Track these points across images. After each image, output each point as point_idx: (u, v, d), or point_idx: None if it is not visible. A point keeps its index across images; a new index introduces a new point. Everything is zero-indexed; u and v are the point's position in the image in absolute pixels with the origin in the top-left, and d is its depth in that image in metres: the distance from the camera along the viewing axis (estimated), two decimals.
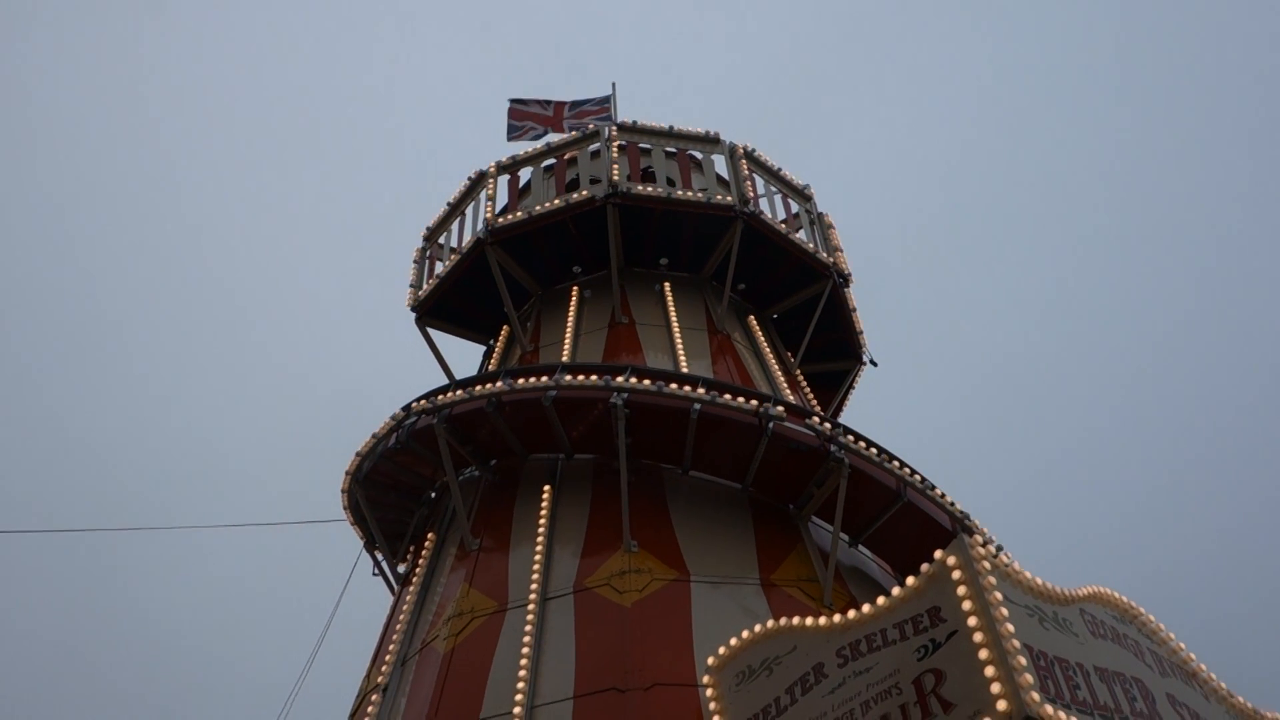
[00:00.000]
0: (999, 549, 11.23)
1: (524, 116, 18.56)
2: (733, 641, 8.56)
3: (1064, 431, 55.47)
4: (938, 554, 7.46)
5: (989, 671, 6.59)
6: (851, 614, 7.81)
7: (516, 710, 9.14)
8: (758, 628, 8.52)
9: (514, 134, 18.37)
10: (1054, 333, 59.77)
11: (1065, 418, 56.08)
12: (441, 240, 16.88)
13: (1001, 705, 6.43)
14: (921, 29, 67.16)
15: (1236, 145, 56.42)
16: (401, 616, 11.61)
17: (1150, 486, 51.26)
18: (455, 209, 16.83)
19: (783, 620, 8.31)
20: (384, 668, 11.03)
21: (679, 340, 13.93)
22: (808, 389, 15.39)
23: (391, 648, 11.23)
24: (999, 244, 63.57)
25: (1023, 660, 6.59)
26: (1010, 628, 6.77)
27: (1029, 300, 61.32)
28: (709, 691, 8.60)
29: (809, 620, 8.17)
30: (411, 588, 12.00)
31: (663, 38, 69.80)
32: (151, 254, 60.01)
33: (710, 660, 8.67)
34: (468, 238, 15.71)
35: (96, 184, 60.15)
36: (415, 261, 16.90)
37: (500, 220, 15.18)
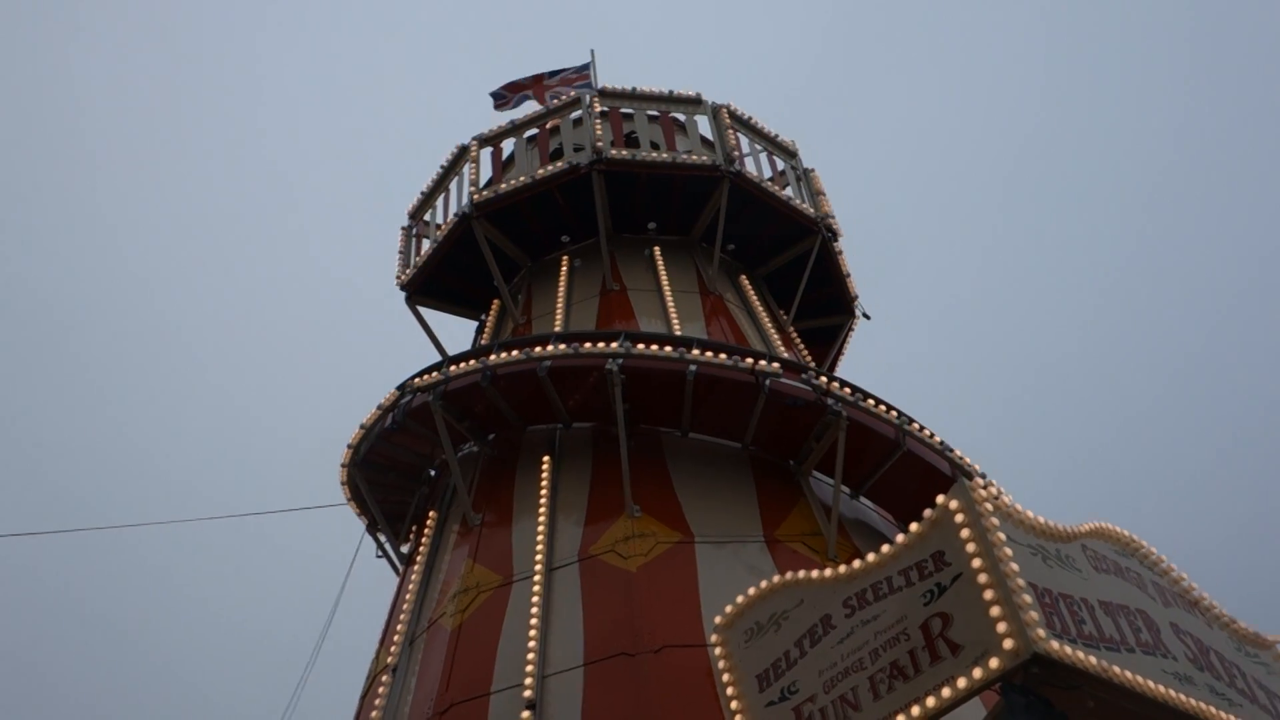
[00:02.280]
0: (999, 491, 11.22)
1: (505, 89, 18.47)
2: (739, 599, 8.56)
3: (1059, 378, 55.69)
4: (939, 499, 7.45)
5: (995, 612, 6.59)
6: (856, 564, 7.81)
7: (527, 680, 9.15)
8: (764, 584, 8.52)
9: (500, 103, 18.31)
10: (1055, 289, 59.85)
11: (1058, 362, 56.23)
12: (427, 218, 16.81)
13: (1009, 644, 6.45)
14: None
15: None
16: (407, 596, 11.62)
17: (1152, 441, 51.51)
18: (439, 185, 16.75)
19: (788, 575, 8.31)
20: (392, 648, 11.05)
21: (671, 304, 13.89)
22: (802, 345, 15.36)
23: (399, 628, 11.24)
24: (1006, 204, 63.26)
25: (1028, 599, 6.59)
26: (1014, 567, 6.77)
27: (1030, 257, 61.46)
28: (718, 650, 8.61)
29: (814, 573, 8.16)
30: (416, 567, 12.00)
31: (643, 4, 69.21)
32: (120, 250, 59.72)
33: (718, 619, 8.67)
34: (453, 213, 15.64)
35: (65, 183, 59.82)
36: (401, 241, 16.83)
37: (485, 193, 15.10)
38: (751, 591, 8.50)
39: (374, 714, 10.26)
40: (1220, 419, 50.50)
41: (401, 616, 11.39)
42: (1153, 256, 57.45)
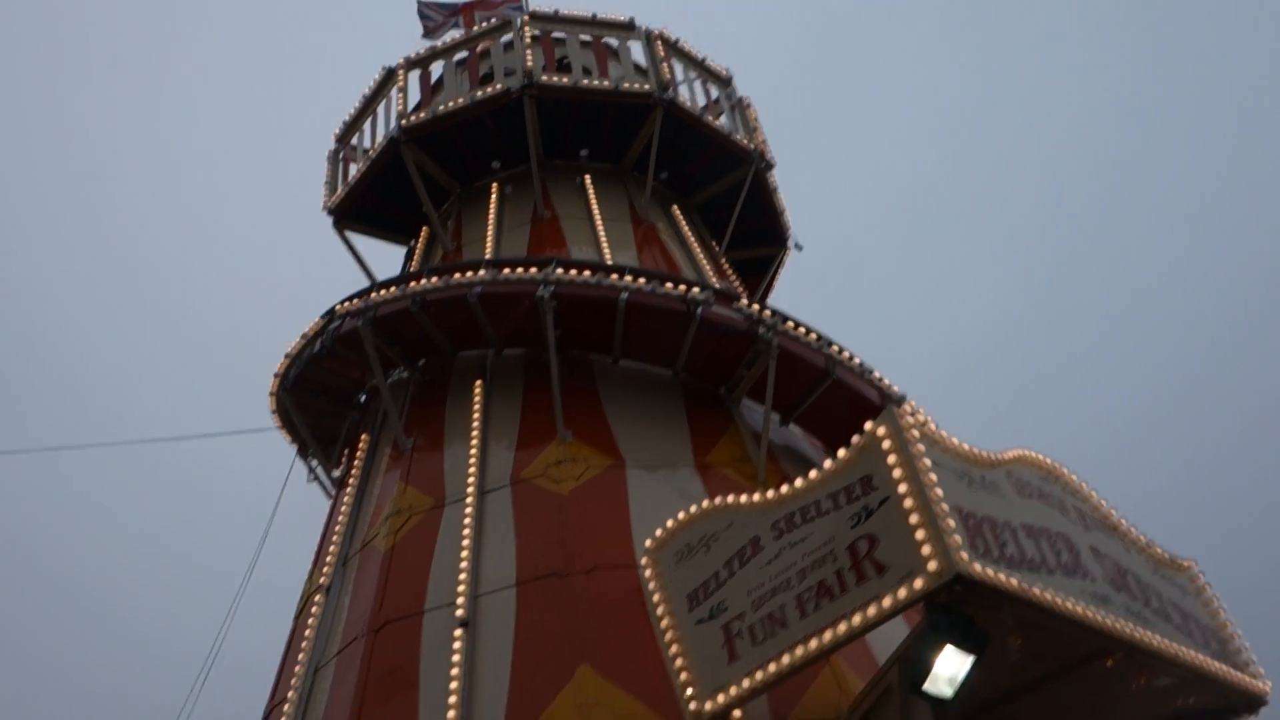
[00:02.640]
0: (927, 418, 11.41)
1: (433, 11, 18.02)
2: (670, 522, 8.68)
3: (985, 305, 56.88)
4: (868, 425, 7.60)
5: (920, 534, 6.78)
6: (785, 488, 7.96)
7: (460, 599, 9.25)
8: (694, 508, 8.65)
9: (429, 32, 17.86)
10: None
11: (983, 292, 57.41)
12: (354, 141, 16.45)
13: (933, 565, 6.64)
14: None
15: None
16: (340, 519, 11.59)
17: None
18: (366, 108, 16.36)
19: (718, 499, 8.44)
20: (325, 569, 11.05)
21: (603, 232, 13.84)
22: (734, 276, 15.42)
23: (332, 549, 11.22)
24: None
25: (952, 522, 6.79)
26: (939, 492, 6.95)
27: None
28: (648, 571, 8.74)
29: (744, 497, 8.30)
30: (348, 490, 11.96)
31: None
32: (40, 164, 57.81)
33: (649, 541, 8.79)
34: (380, 137, 15.33)
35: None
36: (329, 164, 16.47)
37: (413, 118, 14.80)
38: (682, 515, 8.63)
39: (308, 632, 10.28)
40: (1161, 362, 52.04)
41: (334, 538, 11.37)
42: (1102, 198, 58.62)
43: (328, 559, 11.17)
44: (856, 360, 11.55)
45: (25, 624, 43.86)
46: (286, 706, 9.68)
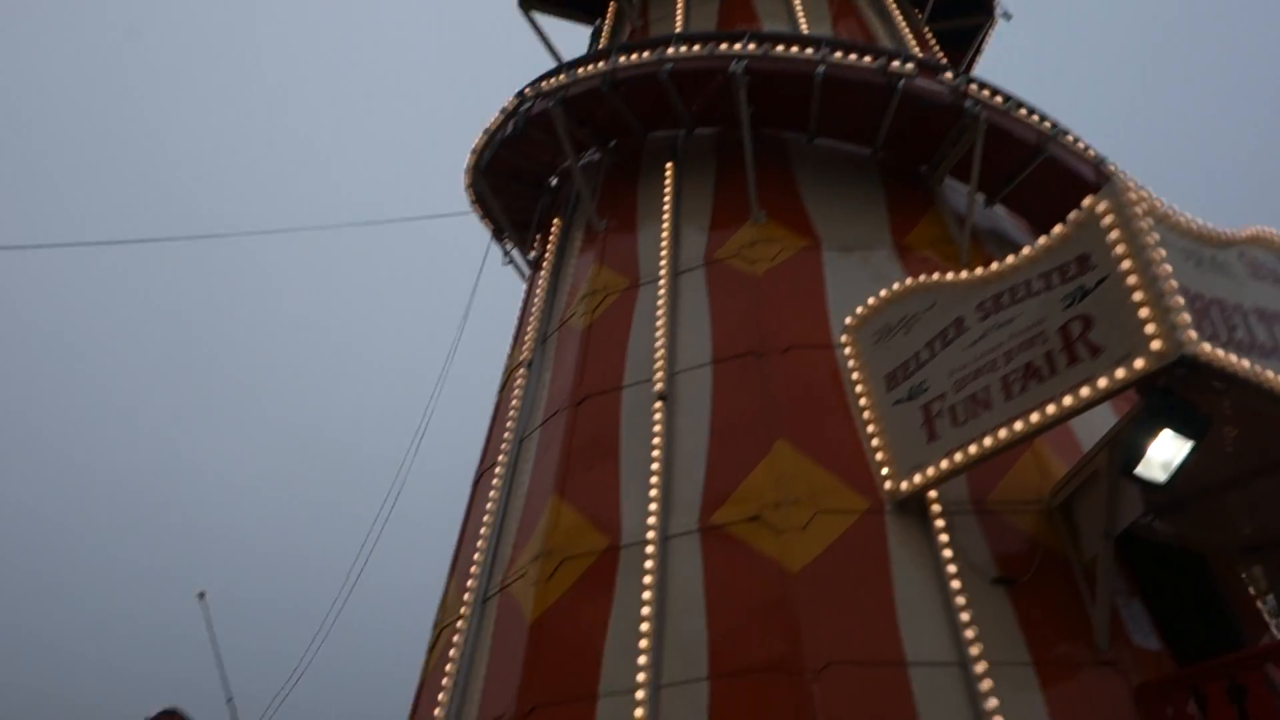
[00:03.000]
0: (1152, 193, 10.67)
1: None
2: (871, 301, 8.55)
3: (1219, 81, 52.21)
4: (1087, 200, 7.17)
5: (1143, 313, 6.46)
6: (994, 266, 7.68)
7: (658, 375, 9.40)
8: (896, 286, 8.46)
9: None
10: None
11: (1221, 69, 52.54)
12: None
13: (1156, 345, 6.33)
14: None
15: None
16: (537, 299, 11.84)
17: None
18: None
19: (921, 278, 8.22)
20: (526, 346, 11.38)
21: (797, 2, 13.13)
22: (937, 47, 14.50)
23: (531, 327, 11.51)
24: None
25: (1179, 300, 6.42)
26: (1167, 268, 6.57)
27: None
28: (847, 350, 8.70)
29: (949, 276, 8.06)
30: (543, 272, 12.14)
31: None
32: None
33: (848, 320, 8.70)
34: None
35: None
36: None
37: None
38: (883, 293, 8.49)
39: (514, 402, 10.70)
40: None
41: (532, 317, 11.63)
42: None
43: (528, 336, 11.47)
44: (1071, 136, 10.80)
45: (237, 396, 47.72)
46: (498, 469, 10.20)
